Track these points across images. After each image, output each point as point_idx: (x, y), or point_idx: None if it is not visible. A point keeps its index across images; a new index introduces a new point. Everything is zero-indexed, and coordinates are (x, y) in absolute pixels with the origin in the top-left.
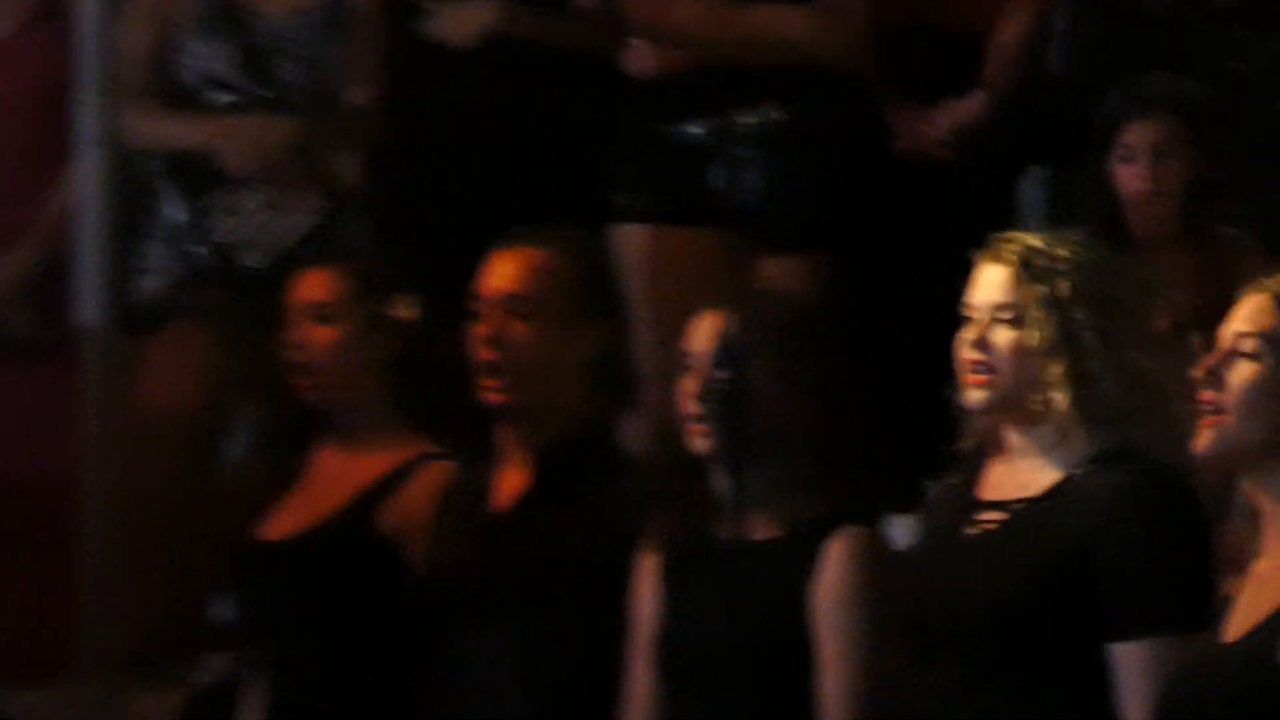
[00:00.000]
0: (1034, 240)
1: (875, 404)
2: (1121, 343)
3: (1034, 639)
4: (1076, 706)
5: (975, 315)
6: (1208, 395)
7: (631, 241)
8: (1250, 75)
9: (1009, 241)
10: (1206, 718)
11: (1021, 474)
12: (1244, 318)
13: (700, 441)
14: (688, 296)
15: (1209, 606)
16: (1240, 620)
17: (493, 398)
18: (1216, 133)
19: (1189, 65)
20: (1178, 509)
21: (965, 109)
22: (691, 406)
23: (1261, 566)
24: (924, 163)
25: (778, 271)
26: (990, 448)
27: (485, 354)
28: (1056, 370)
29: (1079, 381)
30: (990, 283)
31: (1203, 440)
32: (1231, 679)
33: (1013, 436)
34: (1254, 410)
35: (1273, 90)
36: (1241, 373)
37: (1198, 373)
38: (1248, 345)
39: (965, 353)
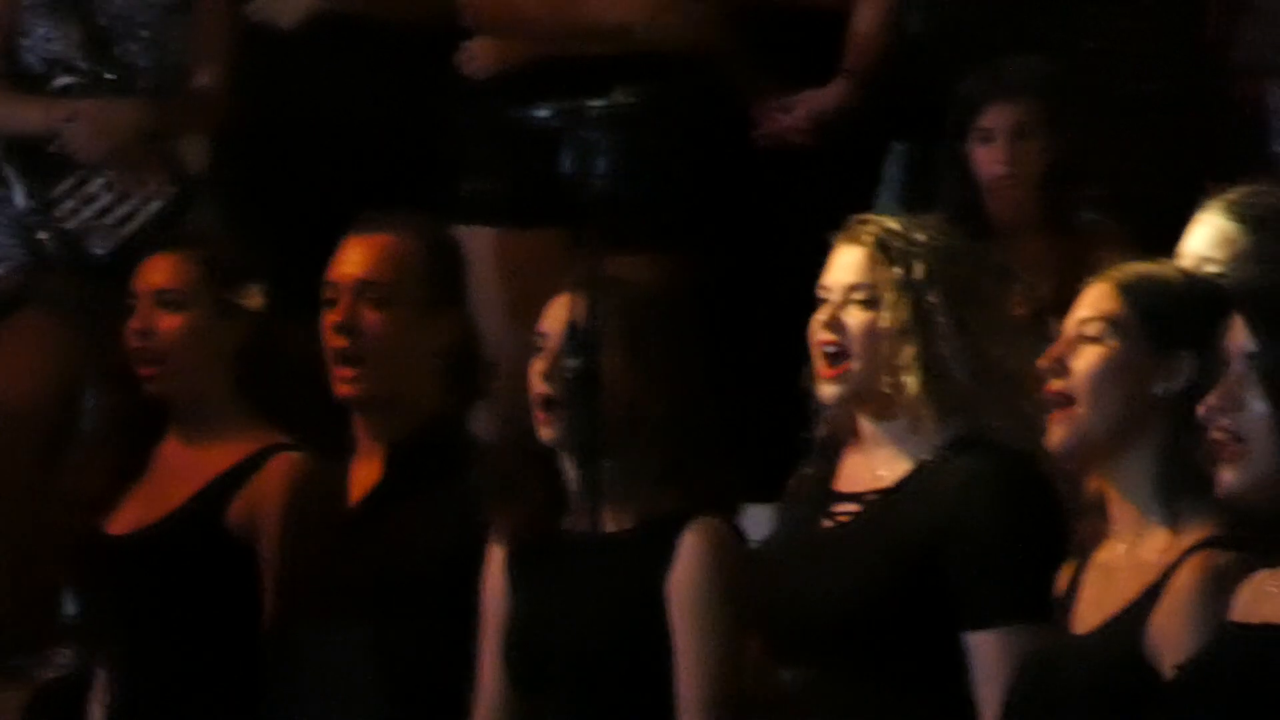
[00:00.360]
0: (892, 223)
1: (733, 393)
2: (976, 329)
3: (890, 631)
4: (933, 696)
5: (829, 296)
6: (1055, 385)
7: (479, 245)
8: (1108, 55)
9: (866, 223)
10: (1068, 711)
11: (876, 464)
12: (1088, 304)
13: (548, 427)
14: (537, 298)
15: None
16: (1092, 611)
17: (345, 387)
18: (1076, 115)
19: (1046, 45)
20: (1030, 497)
21: (825, 97)
22: (540, 389)
23: (1109, 556)
24: (781, 148)
25: (632, 262)
26: (846, 437)
27: (338, 342)
28: (908, 353)
29: (931, 366)
30: (845, 264)
31: (1055, 435)
32: (1092, 671)
33: (867, 426)
34: (1102, 396)
35: (1131, 70)
36: (1087, 358)
37: (1042, 363)
38: (1092, 329)
39: (817, 334)
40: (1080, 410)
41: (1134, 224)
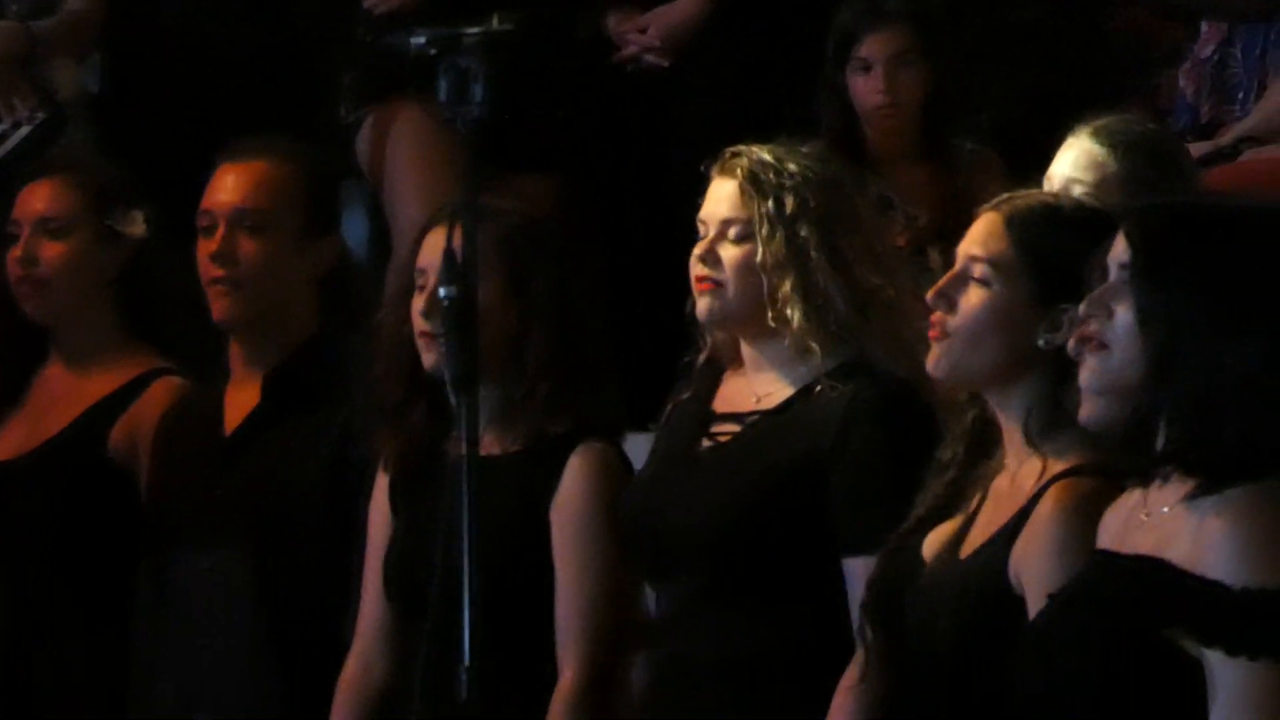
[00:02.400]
0: (764, 153)
1: (616, 320)
2: (852, 259)
3: (765, 550)
4: (810, 619)
5: (705, 230)
6: (937, 317)
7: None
8: None
9: (738, 155)
10: (938, 629)
11: (758, 387)
12: (976, 240)
13: (429, 354)
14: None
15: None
16: (978, 535)
17: (222, 311)
18: (954, 43)
19: None
20: (910, 425)
21: (676, 12)
22: (421, 326)
23: (998, 482)
24: (659, 73)
25: (510, 190)
26: (727, 361)
27: (215, 270)
28: (786, 287)
29: (809, 297)
30: (719, 197)
31: (932, 361)
32: (961, 592)
33: (748, 350)
34: (980, 337)
35: None
36: (970, 299)
37: (930, 294)
38: (978, 270)
39: (695, 268)
40: (957, 345)
41: (1013, 152)
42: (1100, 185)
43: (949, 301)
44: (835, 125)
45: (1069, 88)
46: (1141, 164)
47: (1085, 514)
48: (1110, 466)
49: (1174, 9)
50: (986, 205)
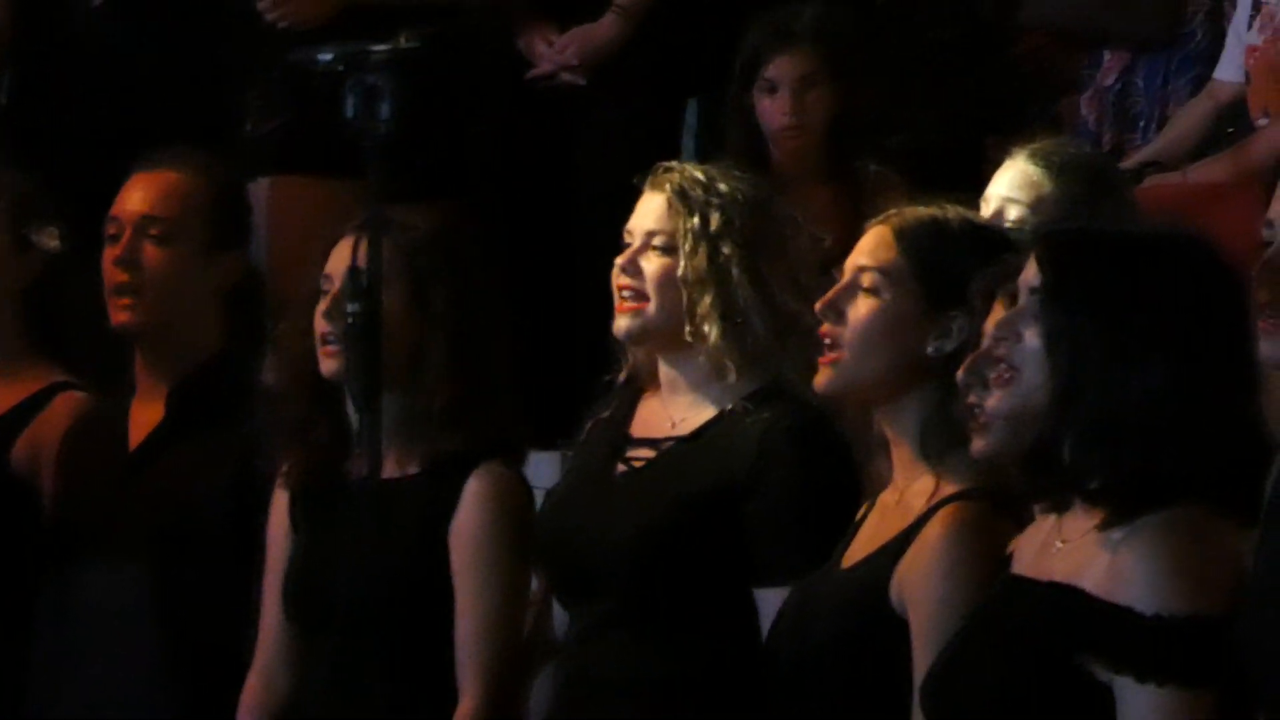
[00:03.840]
0: (696, 171)
1: (527, 339)
2: (771, 282)
3: (677, 577)
4: (721, 645)
5: (631, 241)
6: (826, 329)
7: (264, 193)
8: (892, 4)
9: (670, 170)
10: (816, 638)
11: (675, 411)
12: (865, 251)
13: (330, 364)
14: (322, 243)
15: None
16: (859, 549)
17: (122, 316)
18: (860, 65)
19: None
20: (826, 456)
21: (595, 33)
22: (322, 327)
23: (886, 497)
24: (571, 93)
25: (415, 207)
26: (645, 382)
27: (117, 276)
28: (705, 303)
29: (727, 315)
30: (647, 210)
31: (821, 377)
32: (839, 603)
33: (667, 372)
34: (870, 347)
35: (915, 20)
36: (859, 309)
37: (818, 306)
38: (866, 280)
39: (617, 278)
40: (847, 359)
41: (916, 174)
42: (1036, 205)
43: (837, 313)
44: (741, 145)
45: (975, 112)
46: (1077, 186)
47: (974, 538)
48: (1000, 491)
49: (1077, 37)
50: (874, 220)
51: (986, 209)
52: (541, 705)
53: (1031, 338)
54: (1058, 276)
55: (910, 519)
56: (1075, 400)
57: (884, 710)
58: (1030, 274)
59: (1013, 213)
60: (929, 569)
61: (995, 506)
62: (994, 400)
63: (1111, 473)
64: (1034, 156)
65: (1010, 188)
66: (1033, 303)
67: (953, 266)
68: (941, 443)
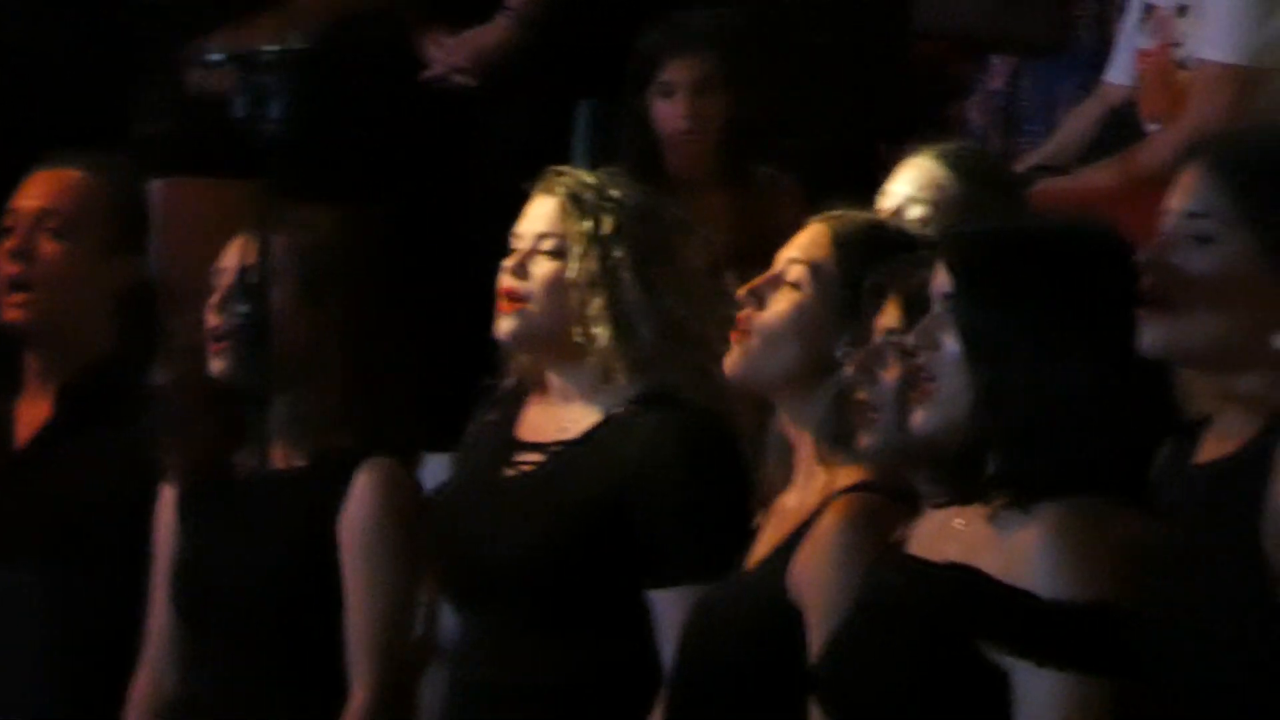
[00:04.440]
0: (588, 176)
1: (416, 340)
2: (661, 288)
3: (569, 582)
4: (618, 649)
5: (519, 244)
6: (744, 314)
7: (157, 195)
8: (788, 9)
9: (561, 175)
10: (719, 648)
11: (562, 415)
12: (799, 245)
13: (219, 360)
14: (214, 245)
15: (745, 552)
16: (761, 550)
17: (13, 313)
18: (756, 69)
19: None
20: (714, 457)
21: (486, 35)
22: (212, 322)
23: (788, 498)
24: (465, 95)
25: (306, 207)
26: (531, 386)
27: (10, 268)
28: (595, 305)
29: (617, 319)
30: (537, 214)
31: (731, 360)
32: (743, 609)
33: (553, 376)
34: (781, 338)
35: (810, 24)
36: (780, 300)
37: (741, 290)
38: (795, 272)
39: (503, 280)
40: (756, 345)
41: (810, 179)
42: (939, 206)
43: (759, 299)
44: (636, 149)
45: (866, 116)
46: (980, 188)
47: (866, 529)
48: (894, 484)
49: (966, 43)
50: (816, 217)
51: (886, 205)
52: (431, 707)
53: (950, 344)
54: (970, 279)
55: (805, 515)
56: (1001, 403)
57: (792, 706)
58: (941, 280)
59: (914, 211)
60: (822, 559)
61: (888, 498)
62: (919, 416)
63: (1032, 468)
64: (939, 156)
65: (914, 186)
66: (946, 308)
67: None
68: (842, 435)
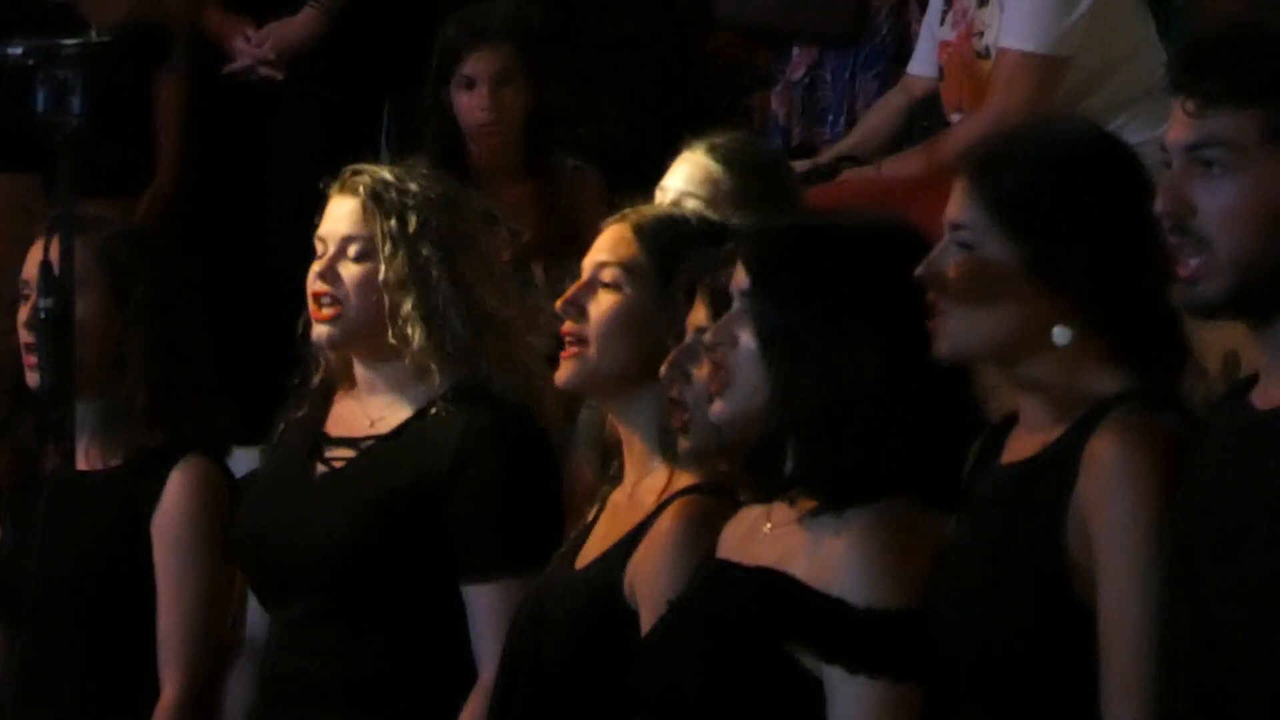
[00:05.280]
0: (385, 173)
1: (222, 336)
2: (470, 280)
3: (380, 576)
4: (428, 641)
5: (325, 248)
6: (568, 326)
7: None
8: (588, 2)
9: (359, 173)
10: (550, 641)
11: (372, 410)
12: (605, 247)
13: (33, 375)
14: (17, 241)
15: (557, 545)
16: (593, 548)
17: None
18: (556, 60)
19: None
20: (525, 451)
21: (292, 28)
22: (25, 338)
23: (619, 494)
24: (265, 87)
25: (109, 203)
26: (341, 382)
27: None
28: (408, 305)
29: (429, 317)
30: (340, 215)
31: (564, 372)
32: (574, 603)
33: (363, 372)
34: (613, 340)
35: (608, 16)
36: (601, 303)
37: (559, 304)
38: (608, 275)
39: (313, 285)
40: (592, 353)
41: (611, 169)
42: (713, 200)
43: (579, 309)
44: (440, 141)
45: (667, 107)
46: (752, 181)
47: (702, 530)
48: (730, 485)
49: (766, 34)
50: (611, 219)
51: (662, 199)
52: (236, 704)
53: (747, 340)
54: (766, 276)
55: (641, 515)
56: (795, 397)
57: (619, 702)
58: (739, 278)
59: (689, 205)
60: (657, 561)
61: (724, 500)
62: (716, 407)
63: (830, 465)
64: (711, 151)
65: (688, 181)
66: (744, 304)
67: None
68: (665, 443)
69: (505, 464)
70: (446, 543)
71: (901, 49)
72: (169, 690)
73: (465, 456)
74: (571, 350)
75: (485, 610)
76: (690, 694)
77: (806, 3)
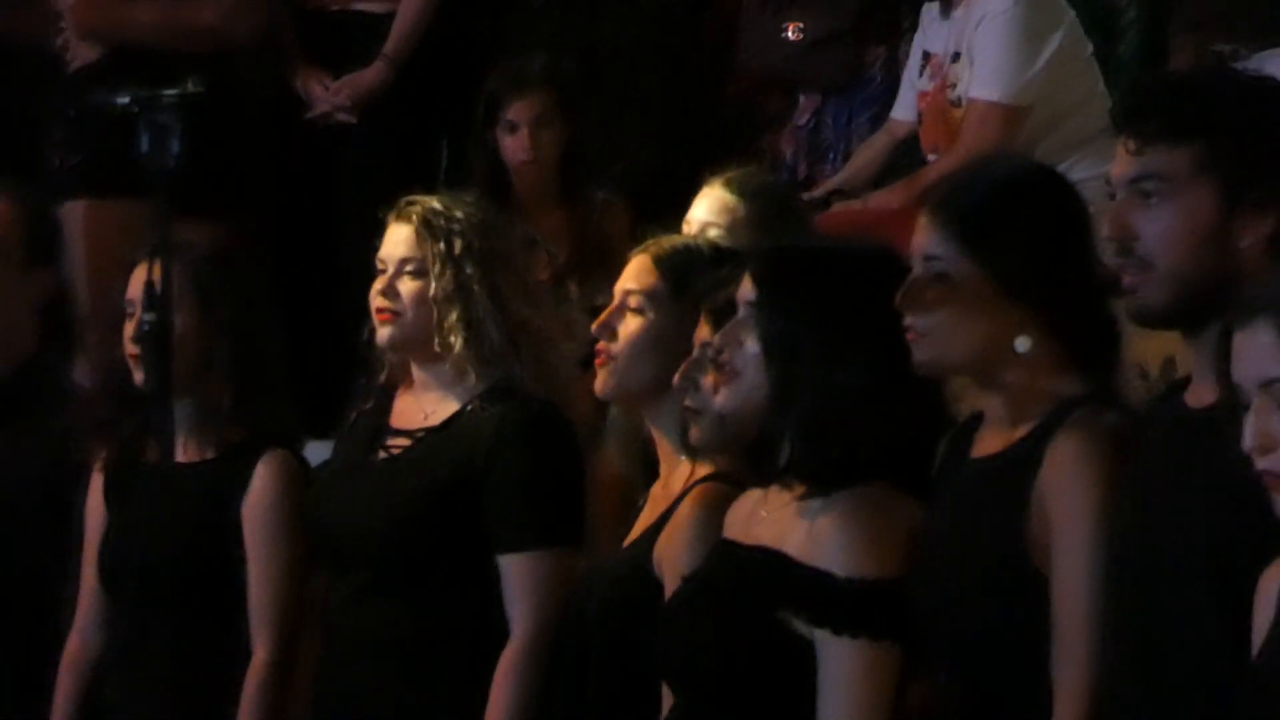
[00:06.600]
0: (435, 202)
1: (297, 342)
2: (507, 294)
3: (427, 549)
4: (465, 608)
5: (385, 268)
6: (601, 345)
7: (72, 216)
8: (619, 55)
9: (413, 203)
10: (592, 608)
11: (425, 406)
12: (630, 276)
13: (138, 377)
14: (121, 260)
15: (581, 522)
16: (636, 531)
17: None
18: (588, 106)
19: (563, 46)
20: (552, 440)
21: (365, 78)
22: (131, 350)
23: (656, 488)
24: (336, 129)
25: (201, 230)
26: (400, 381)
27: None
28: (452, 317)
29: (470, 327)
30: (397, 239)
31: (599, 383)
32: (614, 578)
33: (418, 372)
34: (639, 356)
35: (639, 69)
36: (629, 326)
37: (594, 326)
38: (633, 301)
39: (376, 300)
40: (621, 366)
41: (639, 200)
42: (731, 228)
43: (610, 331)
44: (487, 176)
45: (688, 146)
46: (766, 210)
47: (717, 512)
48: (741, 475)
49: (774, 81)
50: (636, 249)
51: (688, 229)
52: (309, 660)
53: (751, 344)
54: (770, 289)
55: (669, 502)
56: (792, 398)
57: (646, 666)
58: (747, 289)
59: (711, 234)
60: (677, 541)
61: (736, 486)
62: (720, 398)
63: (819, 455)
64: (728, 184)
65: (709, 213)
66: (750, 313)
67: (705, 287)
68: (684, 441)
69: (533, 452)
70: (483, 521)
71: (892, 95)
72: (260, 651)
73: (499, 446)
74: (605, 366)
75: (516, 578)
76: (701, 658)
77: (811, 55)
